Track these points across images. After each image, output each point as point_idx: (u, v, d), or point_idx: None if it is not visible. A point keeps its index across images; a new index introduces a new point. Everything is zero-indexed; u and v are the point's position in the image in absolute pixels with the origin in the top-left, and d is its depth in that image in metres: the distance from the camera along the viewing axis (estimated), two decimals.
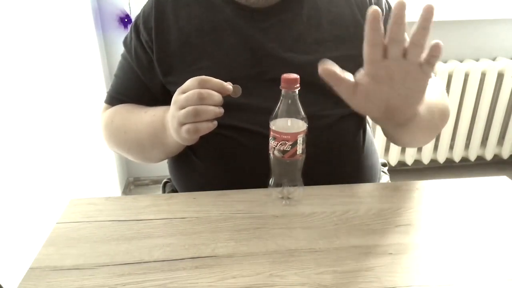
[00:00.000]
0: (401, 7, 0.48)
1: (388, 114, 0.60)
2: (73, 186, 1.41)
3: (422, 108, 0.62)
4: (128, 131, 0.81)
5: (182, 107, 0.64)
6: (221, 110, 0.64)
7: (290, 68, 0.63)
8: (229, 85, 0.65)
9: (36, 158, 1.15)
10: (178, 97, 0.66)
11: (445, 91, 0.83)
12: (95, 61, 1.73)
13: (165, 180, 0.97)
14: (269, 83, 0.70)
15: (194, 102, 0.63)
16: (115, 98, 0.87)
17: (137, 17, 0.83)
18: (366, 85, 0.56)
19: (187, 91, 0.64)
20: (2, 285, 0.90)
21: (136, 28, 0.82)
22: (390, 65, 0.53)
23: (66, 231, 0.63)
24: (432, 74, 0.84)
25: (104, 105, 0.90)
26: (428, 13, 0.48)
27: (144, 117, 0.78)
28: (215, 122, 0.65)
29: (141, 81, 0.83)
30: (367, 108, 0.60)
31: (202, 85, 0.63)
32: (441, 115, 0.77)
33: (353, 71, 0.77)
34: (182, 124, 0.65)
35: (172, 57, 0.79)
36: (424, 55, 0.51)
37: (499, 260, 0.57)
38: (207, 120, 0.64)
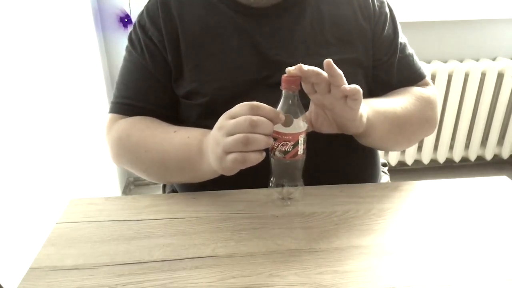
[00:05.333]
0: (329, 64, 0.59)
1: (342, 130, 0.69)
2: (73, 186, 1.41)
3: (377, 124, 0.72)
4: (150, 150, 0.73)
5: (230, 134, 0.59)
6: (270, 141, 0.60)
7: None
8: (281, 114, 0.60)
9: (37, 158, 1.15)
10: (225, 122, 0.61)
11: (436, 100, 0.84)
12: (95, 61, 1.73)
13: None
14: (273, 87, 0.69)
15: (245, 129, 0.58)
16: (127, 104, 0.80)
17: (140, 17, 0.81)
18: (315, 111, 0.68)
19: (236, 116, 0.60)
20: (2, 285, 0.90)
21: (142, 27, 0.79)
22: (323, 98, 0.64)
23: (66, 231, 0.63)
24: (431, 82, 0.87)
25: (110, 116, 0.81)
26: (329, 67, 0.59)
27: (174, 137, 0.72)
28: (264, 153, 0.60)
29: (157, 82, 0.79)
30: (323, 127, 0.68)
31: (254, 111, 0.59)
32: (415, 125, 0.81)
33: (354, 73, 0.77)
34: (228, 152, 0.60)
35: (180, 60, 0.77)
36: (348, 92, 0.60)
37: (499, 260, 0.57)
38: (256, 151, 0.59)
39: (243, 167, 0.61)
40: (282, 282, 0.53)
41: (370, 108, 0.71)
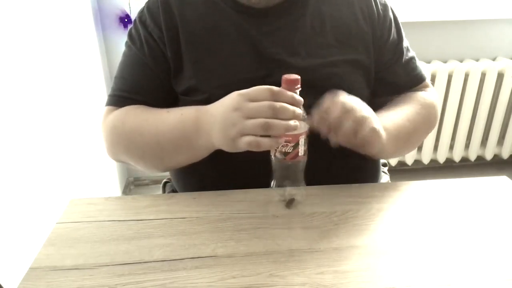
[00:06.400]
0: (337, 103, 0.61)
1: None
2: (73, 186, 1.41)
3: (389, 146, 0.70)
4: (144, 134, 0.73)
5: (250, 117, 0.59)
6: (290, 126, 0.58)
7: (293, 72, 0.63)
8: (300, 99, 0.60)
9: (37, 158, 1.15)
10: (244, 104, 0.60)
11: (437, 103, 0.85)
12: (95, 61, 1.73)
13: (165, 180, 0.97)
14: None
15: (266, 114, 0.58)
16: (124, 97, 0.79)
17: (141, 14, 0.81)
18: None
19: (255, 99, 0.60)
20: (2, 285, 0.90)
21: (142, 23, 0.79)
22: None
23: (66, 231, 0.63)
24: (430, 84, 0.88)
25: (106, 108, 0.81)
26: (336, 106, 0.60)
27: (168, 117, 0.72)
28: (282, 140, 0.60)
29: (155, 77, 0.79)
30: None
31: (275, 97, 0.59)
32: (420, 133, 0.82)
33: (355, 75, 0.77)
34: (244, 134, 0.60)
35: (180, 57, 0.77)
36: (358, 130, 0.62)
37: (499, 260, 0.57)
38: (272, 137, 0.59)
39: (256, 150, 0.60)
40: (282, 282, 0.53)
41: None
